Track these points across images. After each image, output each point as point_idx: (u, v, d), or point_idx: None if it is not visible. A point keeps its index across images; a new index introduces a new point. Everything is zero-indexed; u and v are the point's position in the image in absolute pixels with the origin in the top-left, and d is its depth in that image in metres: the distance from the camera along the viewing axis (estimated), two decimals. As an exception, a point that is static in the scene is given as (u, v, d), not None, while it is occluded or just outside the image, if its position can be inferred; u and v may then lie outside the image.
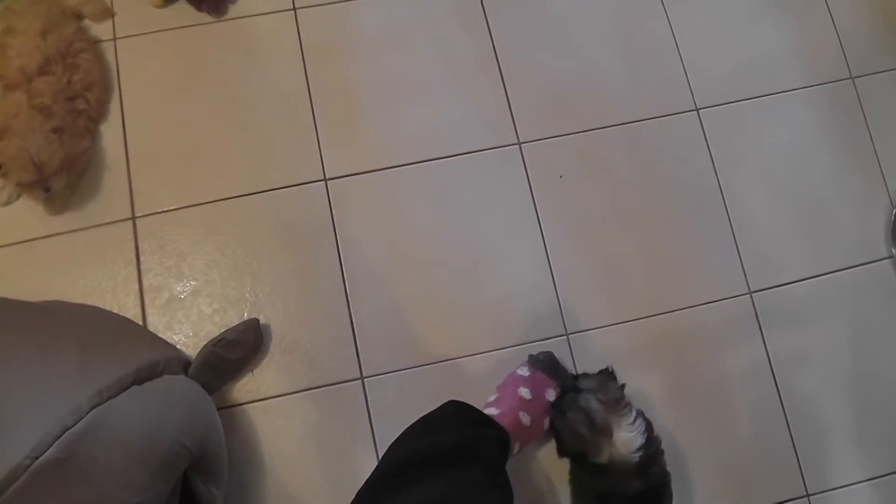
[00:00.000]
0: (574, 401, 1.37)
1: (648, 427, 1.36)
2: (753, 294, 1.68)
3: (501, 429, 1.37)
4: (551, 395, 1.46)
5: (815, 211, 1.75)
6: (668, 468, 1.40)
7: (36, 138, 1.48)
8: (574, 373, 1.56)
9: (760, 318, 1.67)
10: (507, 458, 1.37)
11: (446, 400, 1.40)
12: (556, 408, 1.42)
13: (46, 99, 1.54)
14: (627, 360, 1.61)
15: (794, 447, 1.62)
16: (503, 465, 1.33)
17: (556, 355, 1.56)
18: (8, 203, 1.59)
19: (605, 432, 1.32)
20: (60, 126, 1.53)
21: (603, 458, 1.32)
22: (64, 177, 1.55)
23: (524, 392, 1.45)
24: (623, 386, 1.42)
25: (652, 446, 1.35)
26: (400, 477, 1.20)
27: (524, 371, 1.49)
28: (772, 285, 1.69)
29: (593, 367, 1.55)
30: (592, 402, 1.35)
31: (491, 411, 1.42)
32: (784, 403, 1.64)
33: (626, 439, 1.32)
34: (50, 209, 1.57)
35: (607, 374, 1.44)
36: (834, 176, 1.78)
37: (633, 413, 1.35)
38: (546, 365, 1.51)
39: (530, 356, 1.54)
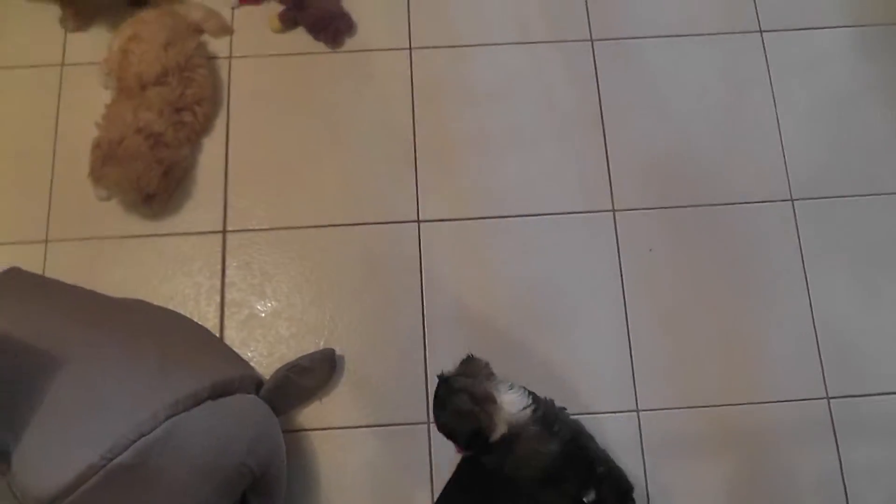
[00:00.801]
0: (449, 388, 1.33)
1: (531, 393, 1.32)
2: (831, 399, 1.63)
3: None
4: None
5: (897, 325, 1.70)
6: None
7: (138, 166, 1.54)
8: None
9: (836, 427, 1.62)
10: None
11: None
12: (438, 406, 1.36)
13: (153, 110, 1.58)
14: (694, 446, 1.58)
15: (857, 563, 1.55)
16: None
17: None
18: (107, 199, 1.62)
19: (489, 399, 1.28)
20: (162, 139, 1.58)
21: (499, 429, 1.28)
22: (164, 196, 1.60)
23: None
24: (487, 363, 1.38)
25: (541, 404, 1.31)
26: None
27: None
28: (852, 394, 1.64)
29: (660, 449, 1.53)
30: (465, 381, 1.32)
31: None
32: (851, 516, 1.58)
33: (511, 399, 1.28)
34: (146, 212, 1.61)
35: (469, 358, 1.40)
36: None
37: (509, 382, 1.32)
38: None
39: None
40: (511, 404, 1.29)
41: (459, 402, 1.31)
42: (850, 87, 1.86)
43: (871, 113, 1.84)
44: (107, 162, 1.54)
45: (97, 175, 1.56)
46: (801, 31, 1.89)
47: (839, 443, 1.61)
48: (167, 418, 1.20)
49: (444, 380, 1.36)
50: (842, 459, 1.60)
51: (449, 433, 1.36)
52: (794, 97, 1.83)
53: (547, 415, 1.31)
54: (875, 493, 1.59)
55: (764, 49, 1.87)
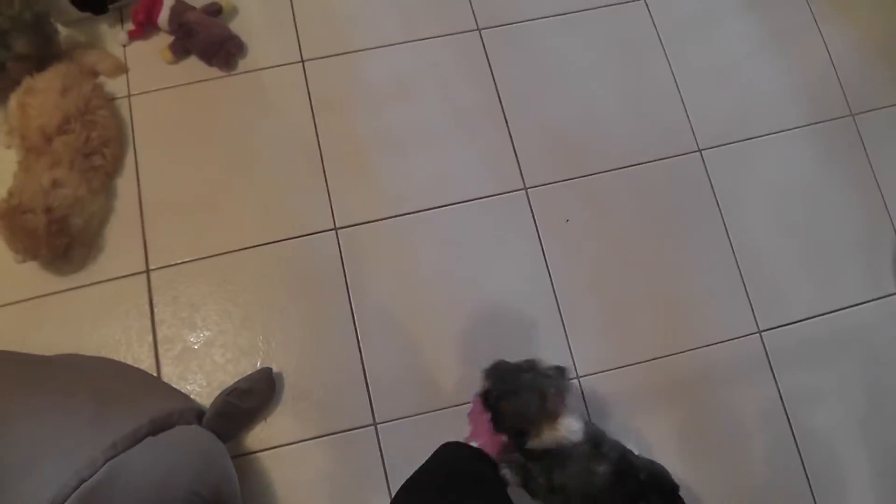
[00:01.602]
0: (532, 382, 1.35)
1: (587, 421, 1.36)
2: (763, 333, 1.68)
3: (491, 459, 1.39)
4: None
5: (822, 248, 1.76)
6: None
7: (26, 241, 1.53)
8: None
9: (771, 358, 1.67)
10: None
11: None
12: (507, 385, 1.36)
13: (65, 156, 1.58)
14: (638, 402, 1.62)
15: (811, 488, 1.61)
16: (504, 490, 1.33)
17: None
18: (24, 261, 1.61)
19: (552, 416, 1.31)
20: (77, 183, 1.58)
21: (542, 442, 1.31)
22: (83, 250, 1.61)
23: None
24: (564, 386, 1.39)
25: (590, 426, 1.34)
26: None
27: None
28: (781, 324, 1.69)
29: (607, 411, 1.58)
30: (550, 388, 1.33)
31: (474, 444, 1.42)
32: (798, 444, 1.64)
33: (569, 423, 1.31)
34: (67, 267, 1.60)
35: (562, 370, 1.41)
36: (838, 212, 1.79)
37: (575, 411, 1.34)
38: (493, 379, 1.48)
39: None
40: (568, 430, 1.30)
41: (530, 402, 1.32)
42: (739, 38, 1.93)
43: (761, 60, 1.91)
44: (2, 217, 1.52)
45: (15, 247, 1.54)
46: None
47: (776, 374, 1.66)
48: (107, 461, 1.22)
49: (532, 366, 1.37)
50: (780, 389, 1.66)
51: (495, 413, 1.36)
52: (686, 57, 1.88)
53: (597, 435, 1.33)
54: (816, 417, 1.65)
55: (650, 15, 1.92)
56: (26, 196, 1.53)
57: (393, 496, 1.28)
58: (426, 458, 1.36)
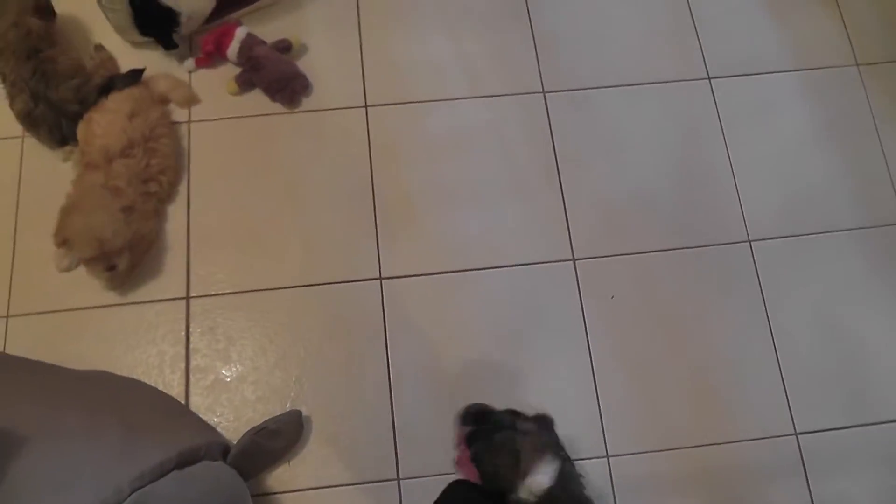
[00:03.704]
0: (506, 442, 1.31)
1: (567, 476, 1.31)
2: (799, 435, 1.65)
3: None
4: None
5: (866, 356, 1.73)
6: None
7: (102, 216, 1.53)
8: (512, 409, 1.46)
9: (805, 461, 1.64)
10: None
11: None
12: (485, 445, 1.34)
13: (121, 181, 1.59)
14: (666, 489, 1.59)
15: None
16: None
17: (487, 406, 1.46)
18: (68, 270, 1.62)
19: (523, 474, 1.27)
20: (130, 206, 1.58)
21: (521, 497, 1.26)
22: (127, 257, 1.57)
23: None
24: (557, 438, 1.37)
25: (560, 490, 1.29)
26: None
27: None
28: (819, 428, 1.66)
29: (633, 494, 1.54)
30: (524, 446, 1.30)
31: None
32: (826, 552, 1.58)
33: (539, 480, 1.26)
34: (110, 284, 1.60)
35: (545, 420, 1.39)
36: (885, 322, 1.76)
37: (555, 460, 1.29)
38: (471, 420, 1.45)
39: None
40: (530, 490, 1.27)
41: (503, 465, 1.29)
42: (797, 129, 1.92)
43: (819, 153, 1.90)
44: (70, 212, 1.53)
45: (60, 226, 1.53)
46: (748, 77, 1.95)
47: (809, 478, 1.62)
48: (133, 491, 1.19)
49: (510, 426, 1.35)
50: (812, 494, 1.61)
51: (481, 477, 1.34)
52: (745, 141, 1.88)
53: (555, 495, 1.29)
54: (848, 528, 1.60)
55: (713, 95, 1.92)
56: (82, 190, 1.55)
57: None
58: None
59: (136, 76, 1.74)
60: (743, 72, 1.95)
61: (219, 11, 1.83)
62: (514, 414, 1.41)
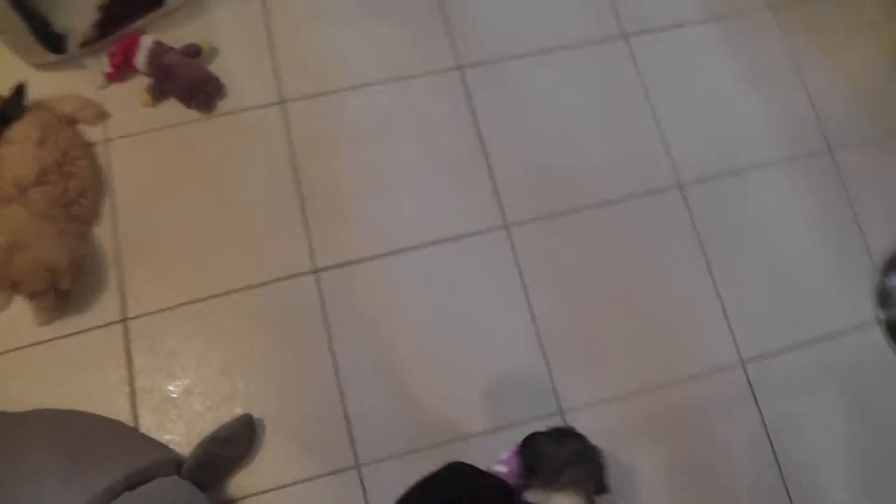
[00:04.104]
0: (569, 452, 1.39)
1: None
2: (746, 364, 1.69)
3: (503, 481, 1.37)
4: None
5: (803, 280, 1.78)
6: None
7: (45, 245, 1.50)
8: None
9: (754, 388, 1.68)
10: None
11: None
12: (551, 440, 1.41)
13: (42, 206, 1.55)
14: (623, 436, 1.62)
15: (797, 518, 1.60)
16: None
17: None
18: (2, 309, 1.60)
19: (557, 485, 1.33)
20: (63, 229, 1.56)
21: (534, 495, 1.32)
22: (69, 277, 1.54)
23: None
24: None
25: None
26: None
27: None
28: (764, 354, 1.71)
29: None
30: (579, 464, 1.37)
31: (500, 468, 1.42)
32: (783, 472, 1.64)
33: (560, 499, 1.31)
34: (43, 318, 1.57)
35: (597, 462, 1.43)
36: (819, 244, 1.81)
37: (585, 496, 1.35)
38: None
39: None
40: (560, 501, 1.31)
41: (553, 458, 1.37)
42: (718, 77, 1.95)
43: (742, 97, 1.94)
44: (14, 252, 1.49)
45: (6, 269, 1.49)
46: (664, 31, 1.97)
47: (760, 404, 1.66)
48: (83, 521, 1.20)
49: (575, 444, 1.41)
50: (764, 419, 1.66)
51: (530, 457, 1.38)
52: (667, 94, 1.90)
53: None
54: (800, 445, 1.66)
55: (631, 53, 1.94)
56: (7, 227, 1.52)
57: None
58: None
59: (20, 96, 1.69)
60: (658, 26, 1.96)
61: (115, 22, 1.79)
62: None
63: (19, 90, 1.69)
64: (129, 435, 1.50)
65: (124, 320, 1.60)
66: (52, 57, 1.76)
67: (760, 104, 1.93)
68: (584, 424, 1.58)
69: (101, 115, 1.78)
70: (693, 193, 1.81)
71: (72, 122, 1.75)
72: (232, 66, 1.84)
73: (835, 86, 1.97)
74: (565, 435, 1.44)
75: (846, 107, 1.95)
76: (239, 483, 1.51)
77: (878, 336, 1.75)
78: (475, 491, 1.33)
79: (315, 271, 1.66)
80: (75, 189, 1.63)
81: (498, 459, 1.46)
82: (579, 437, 1.44)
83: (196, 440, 1.48)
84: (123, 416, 1.53)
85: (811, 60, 1.98)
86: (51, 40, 1.73)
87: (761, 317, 1.73)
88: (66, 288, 1.54)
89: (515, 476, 1.41)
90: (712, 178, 1.84)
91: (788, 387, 1.69)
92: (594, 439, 1.54)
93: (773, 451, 1.64)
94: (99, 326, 1.60)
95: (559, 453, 1.38)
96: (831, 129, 1.92)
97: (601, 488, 1.39)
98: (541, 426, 1.52)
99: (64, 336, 1.59)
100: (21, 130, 1.62)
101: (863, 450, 1.66)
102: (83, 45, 1.78)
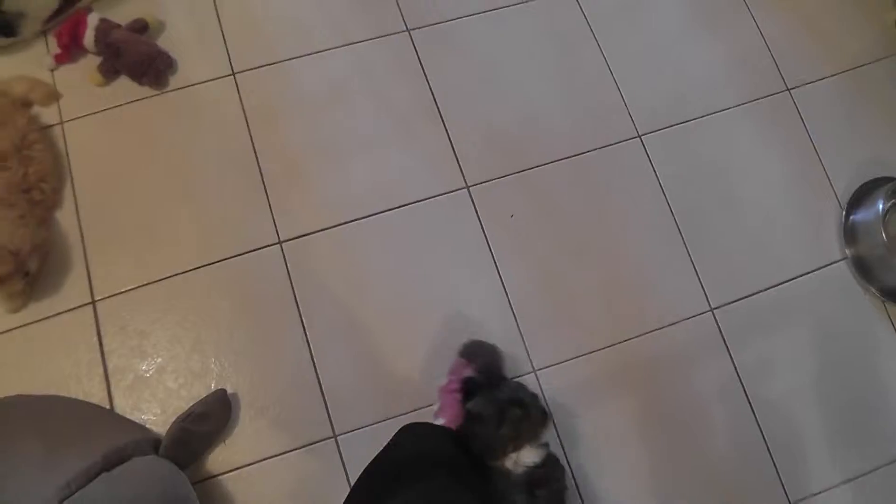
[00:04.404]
0: (515, 413, 1.37)
1: (552, 459, 1.38)
2: (715, 310, 1.70)
3: (452, 432, 1.40)
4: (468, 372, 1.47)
5: (768, 222, 1.78)
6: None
7: (6, 229, 1.48)
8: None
9: (724, 334, 1.69)
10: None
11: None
12: (492, 407, 1.39)
13: (1, 193, 1.53)
14: (597, 390, 1.63)
15: (772, 457, 1.64)
16: (466, 462, 1.35)
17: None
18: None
19: (517, 447, 1.34)
20: (24, 214, 1.53)
21: (499, 463, 1.34)
22: (37, 257, 1.54)
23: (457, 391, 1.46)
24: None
25: (547, 470, 1.36)
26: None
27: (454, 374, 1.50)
28: (732, 299, 1.71)
29: (565, 402, 1.58)
30: (529, 421, 1.37)
31: (439, 421, 1.45)
32: (757, 415, 1.66)
33: (526, 456, 1.33)
34: (10, 306, 1.57)
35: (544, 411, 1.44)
36: (782, 185, 1.81)
37: (547, 445, 1.38)
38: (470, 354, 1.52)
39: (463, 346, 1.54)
40: (527, 459, 1.33)
41: (505, 426, 1.35)
42: (668, 21, 1.94)
43: (694, 40, 1.92)
44: None
45: None
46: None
47: (730, 349, 1.68)
48: (61, 501, 1.21)
49: (518, 401, 1.39)
50: (736, 364, 1.68)
51: (474, 424, 1.38)
52: (618, 41, 1.89)
53: (539, 479, 1.35)
54: (774, 388, 1.68)
55: (578, 3, 1.92)
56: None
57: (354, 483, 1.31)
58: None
59: None
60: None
61: (66, 5, 1.75)
62: (517, 387, 1.45)
63: None
64: (104, 417, 1.51)
65: (92, 302, 1.60)
66: (2, 41, 1.72)
67: (714, 46, 1.92)
68: (558, 381, 1.62)
69: (52, 96, 1.75)
70: (653, 142, 1.81)
71: (26, 104, 1.72)
72: (180, 39, 1.81)
73: (788, 23, 1.95)
74: (501, 404, 1.39)
75: (801, 44, 1.93)
76: (217, 459, 1.52)
77: (846, 272, 1.77)
78: (431, 451, 1.34)
79: (279, 242, 1.65)
80: (35, 174, 1.61)
81: (434, 413, 1.48)
82: (515, 402, 1.40)
83: (172, 418, 1.49)
84: (97, 398, 1.53)
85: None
86: (1, 24, 1.69)
87: (728, 262, 1.74)
88: (31, 271, 1.53)
89: (456, 423, 1.42)
90: (671, 125, 1.83)
91: (758, 329, 1.71)
92: (570, 395, 1.57)
93: (746, 392, 1.67)
94: (67, 310, 1.59)
95: (500, 434, 1.36)
96: (787, 67, 1.91)
97: (542, 419, 1.40)
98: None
99: (33, 322, 1.58)
100: (-25, 117, 1.58)
101: (833, 384, 1.69)
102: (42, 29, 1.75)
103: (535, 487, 1.33)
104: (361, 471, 1.32)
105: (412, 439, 1.39)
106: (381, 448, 1.36)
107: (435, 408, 1.48)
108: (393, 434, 1.39)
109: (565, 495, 1.41)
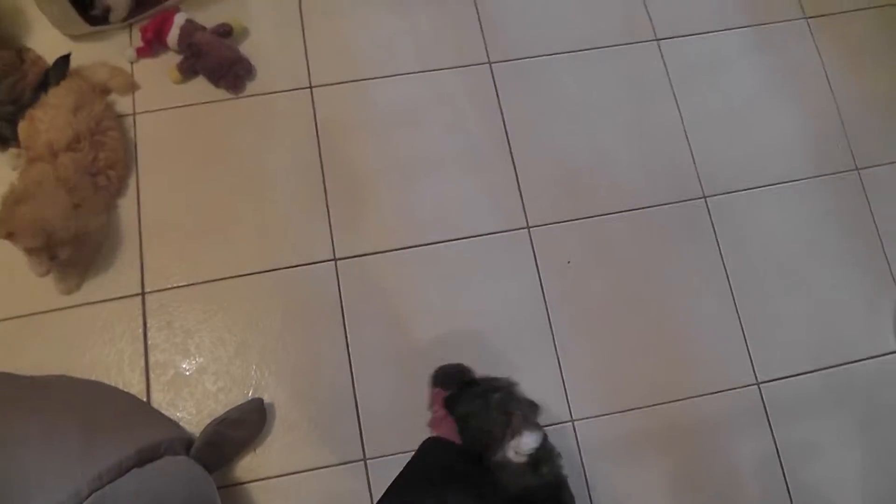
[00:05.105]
0: (500, 402, 1.35)
1: (546, 440, 1.34)
2: (761, 385, 1.67)
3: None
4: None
5: (823, 302, 1.75)
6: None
7: (54, 210, 1.49)
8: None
9: (769, 410, 1.66)
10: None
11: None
12: (476, 404, 1.37)
13: (70, 172, 1.55)
14: (632, 448, 1.61)
15: (804, 542, 1.59)
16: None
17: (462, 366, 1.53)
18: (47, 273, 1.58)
19: (512, 434, 1.31)
20: (80, 202, 1.54)
21: (498, 456, 1.31)
22: (70, 249, 1.53)
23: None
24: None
25: (545, 451, 1.33)
26: None
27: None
28: (780, 376, 1.68)
29: (598, 455, 1.57)
30: (517, 407, 1.35)
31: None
32: (792, 497, 1.61)
33: (524, 442, 1.30)
34: (64, 287, 1.59)
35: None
36: (841, 267, 1.78)
37: (541, 427, 1.34)
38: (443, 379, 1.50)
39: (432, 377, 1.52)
40: (526, 445, 1.30)
41: (493, 420, 1.33)
42: (747, 84, 1.92)
43: (770, 107, 1.91)
44: (18, 203, 1.48)
45: (4, 217, 1.48)
46: (695, 36, 1.95)
47: (773, 426, 1.65)
48: (91, 493, 1.20)
49: (504, 389, 1.38)
50: (777, 442, 1.64)
51: (467, 422, 1.37)
52: (695, 99, 1.88)
53: (539, 459, 1.32)
54: (811, 468, 1.64)
55: (661, 56, 1.92)
56: (30, 179, 1.52)
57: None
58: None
59: (65, 64, 1.70)
60: (690, 31, 1.94)
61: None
62: (493, 379, 1.43)
63: (65, 58, 1.71)
64: (141, 409, 1.51)
65: (142, 294, 1.60)
66: (88, 28, 1.77)
67: (789, 116, 1.90)
68: (595, 434, 1.59)
69: (131, 85, 1.79)
70: (717, 204, 1.79)
71: (104, 91, 1.75)
72: (263, 47, 1.84)
73: (865, 100, 1.93)
74: (486, 401, 1.38)
75: (875, 122, 1.92)
76: (246, 467, 1.51)
77: (898, 365, 1.73)
78: (447, 464, 1.34)
79: (334, 259, 1.66)
80: (105, 160, 1.63)
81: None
82: (495, 391, 1.39)
83: (205, 420, 1.49)
84: (136, 389, 1.54)
85: (841, 72, 1.95)
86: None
87: (780, 337, 1.71)
88: (61, 257, 1.52)
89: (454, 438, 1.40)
90: (737, 190, 1.82)
91: (803, 411, 1.67)
92: (604, 450, 1.54)
93: (784, 474, 1.63)
94: (117, 298, 1.60)
95: (494, 420, 1.34)
96: (859, 145, 1.89)
97: (528, 401, 1.38)
98: (552, 433, 1.51)
99: (81, 305, 1.59)
100: (57, 96, 1.62)
101: (878, 477, 1.64)
102: (124, 19, 1.79)
103: (539, 465, 1.30)
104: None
105: (437, 450, 1.39)
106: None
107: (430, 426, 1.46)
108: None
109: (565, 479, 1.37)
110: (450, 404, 1.41)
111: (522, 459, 1.29)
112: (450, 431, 1.42)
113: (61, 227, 1.48)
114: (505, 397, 1.36)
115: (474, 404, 1.36)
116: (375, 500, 1.45)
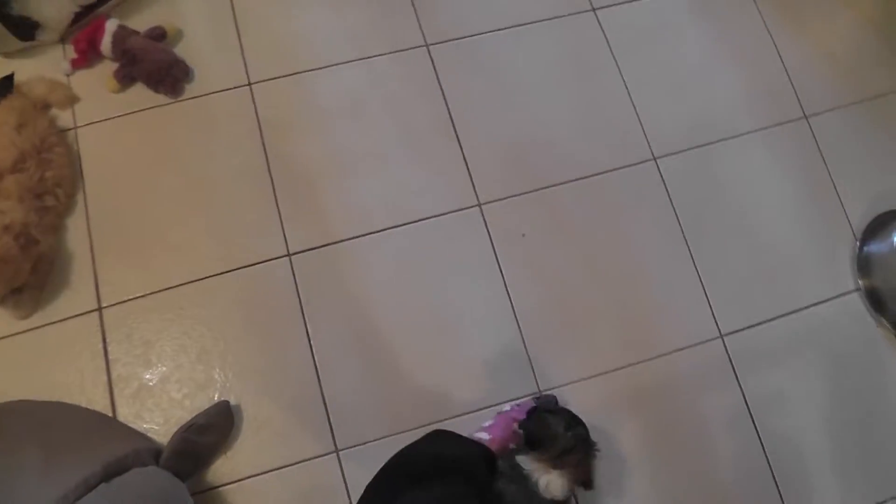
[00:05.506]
0: (576, 439, 1.40)
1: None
2: (725, 337, 1.68)
3: (486, 448, 1.38)
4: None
5: (780, 249, 1.77)
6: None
7: (8, 269, 1.47)
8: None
9: (734, 361, 1.67)
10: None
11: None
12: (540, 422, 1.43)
13: (11, 199, 1.52)
14: (605, 413, 1.61)
15: (778, 489, 1.62)
16: (490, 480, 1.34)
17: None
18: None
19: (566, 464, 1.34)
20: (30, 233, 1.52)
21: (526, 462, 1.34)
22: (35, 292, 1.55)
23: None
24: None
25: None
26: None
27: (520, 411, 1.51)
28: (742, 327, 1.69)
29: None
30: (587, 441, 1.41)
31: (482, 435, 1.43)
32: (764, 445, 1.64)
33: (561, 483, 1.32)
34: (20, 313, 1.56)
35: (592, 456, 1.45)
36: (796, 214, 1.79)
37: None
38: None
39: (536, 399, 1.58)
40: (553, 484, 1.32)
41: (572, 434, 1.39)
42: (687, 47, 1.93)
43: (712, 66, 1.92)
44: None
45: None
46: (632, 3, 1.94)
47: (739, 377, 1.67)
48: (56, 513, 1.20)
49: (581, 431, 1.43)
50: (745, 392, 1.66)
51: (545, 416, 1.43)
52: (637, 65, 1.88)
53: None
54: (780, 415, 1.66)
55: (600, 25, 1.91)
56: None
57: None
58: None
59: (8, 83, 1.68)
60: (626, -1, 1.92)
61: (85, 11, 1.76)
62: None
63: (9, 77, 1.69)
64: (106, 425, 1.50)
65: (99, 309, 1.59)
66: (20, 44, 1.73)
67: (733, 73, 1.91)
68: (566, 403, 1.58)
69: (71, 99, 1.75)
70: (668, 166, 1.80)
71: (45, 107, 1.72)
72: (198, 48, 1.81)
73: (808, 52, 1.94)
74: (574, 420, 1.45)
75: (820, 72, 1.93)
76: (218, 471, 1.51)
77: (858, 304, 1.75)
78: (456, 457, 1.34)
79: (288, 255, 1.65)
80: (52, 178, 1.60)
81: (480, 426, 1.46)
82: (583, 426, 1.45)
83: (173, 429, 1.48)
84: (101, 405, 1.53)
85: (783, 27, 1.95)
86: (21, 28, 1.71)
87: (740, 289, 1.73)
88: (21, 288, 1.52)
89: (498, 443, 1.41)
90: (687, 149, 1.82)
91: (768, 358, 1.69)
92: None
93: (754, 422, 1.64)
94: (73, 316, 1.59)
95: (567, 436, 1.38)
96: (806, 95, 1.90)
97: (587, 483, 1.40)
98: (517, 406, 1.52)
99: (39, 327, 1.58)
100: (-1, 115, 1.58)
101: (843, 417, 1.67)
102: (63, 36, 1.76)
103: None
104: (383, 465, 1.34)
105: (442, 441, 1.41)
106: (406, 446, 1.40)
107: (486, 423, 1.47)
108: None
109: None
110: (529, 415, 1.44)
111: (546, 496, 1.31)
112: (500, 429, 1.44)
113: (19, 279, 1.48)
114: (585, 435, 1.42)
115: (559, 416, 1.42)
116: (351, 491, 1.48)
